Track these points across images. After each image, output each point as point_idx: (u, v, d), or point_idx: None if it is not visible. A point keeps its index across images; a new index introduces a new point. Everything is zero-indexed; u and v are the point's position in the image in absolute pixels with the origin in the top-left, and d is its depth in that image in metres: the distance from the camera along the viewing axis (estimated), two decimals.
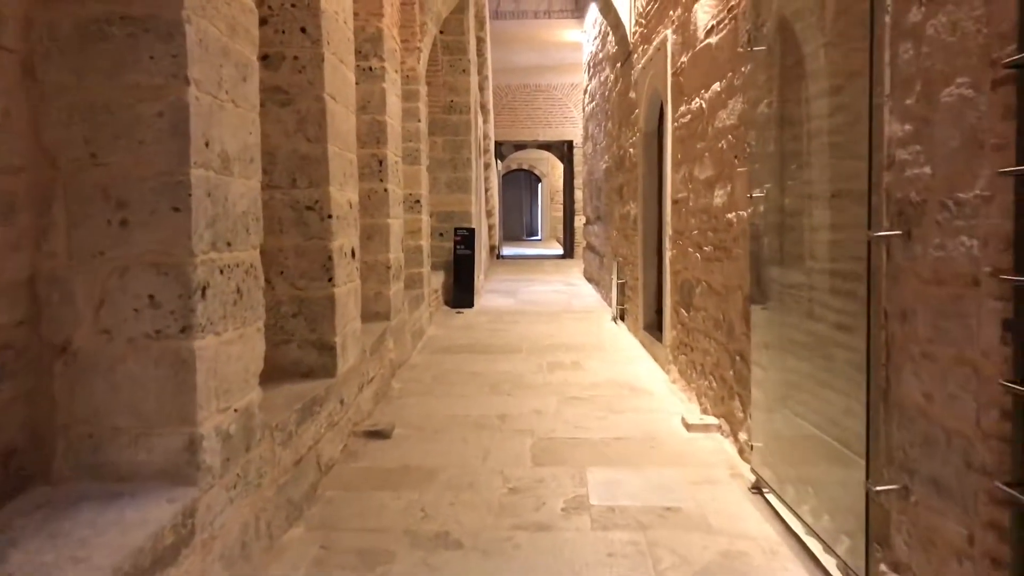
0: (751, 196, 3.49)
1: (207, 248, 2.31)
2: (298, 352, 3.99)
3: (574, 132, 20.04)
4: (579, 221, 19.65)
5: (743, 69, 3.83)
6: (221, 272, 2.44)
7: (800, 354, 3.06)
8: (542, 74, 18.65)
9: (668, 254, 5.83)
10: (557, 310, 9.85)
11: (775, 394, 3.35)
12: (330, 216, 3.96)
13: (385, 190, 5.83)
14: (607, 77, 10.27)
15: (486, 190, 14.89)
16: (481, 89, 12.43)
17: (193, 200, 2.22)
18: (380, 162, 5.80)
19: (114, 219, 2.20)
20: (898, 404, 2.29)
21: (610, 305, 9.73)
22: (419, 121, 7.84)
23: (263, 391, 3.46)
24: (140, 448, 2.23)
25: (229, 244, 2.50)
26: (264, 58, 3.91)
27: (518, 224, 34.24)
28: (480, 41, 11.75)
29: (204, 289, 2.29)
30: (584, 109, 14.31)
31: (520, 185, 33.51)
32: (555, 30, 14.70)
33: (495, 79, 18.69)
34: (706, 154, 4.65)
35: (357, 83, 5.57)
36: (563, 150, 20.86)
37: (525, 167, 30.56)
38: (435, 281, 9.25)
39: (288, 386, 3.69)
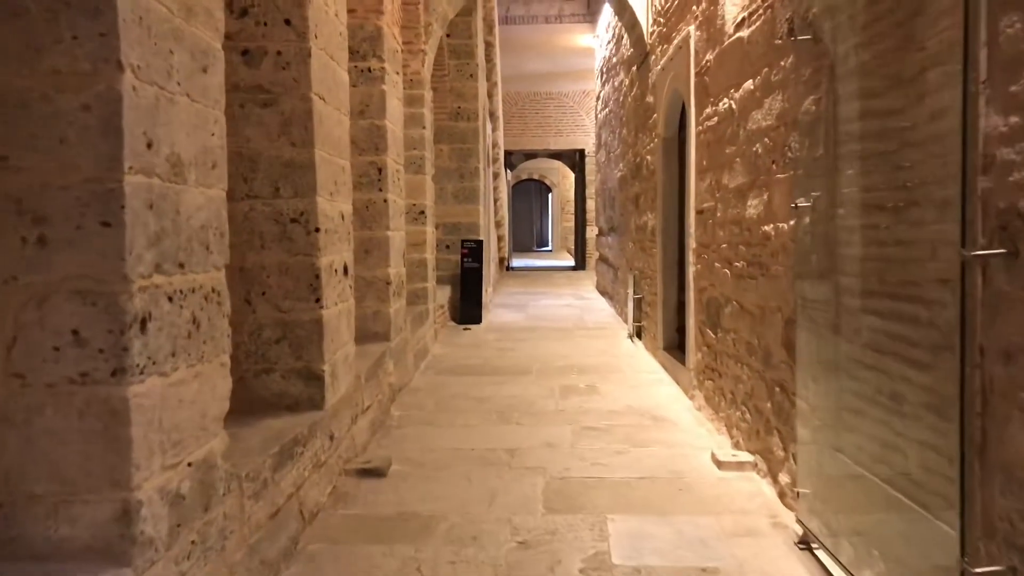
0: (795, 206, 3.06)
1: (148, 271, 1.91)
2: (282, 383, 3.58)
3: (586, 141, 19.66)
4: (591, 232, 19.24)
5: (782, 63, 3.42)
6: (170, 299, 2.03)
7: (859, 391, 2.63)
8: (553, 81, 18.30)
9: (691, 269, 5.40)
10: (569, 326, 9.43)
11: (826, 434, 2.91)
12: (318, 229, 3.56)
13: (385, 200, 5.44)
14: (621, 82, 9.87)
15: (495, 200, 14.51)
16: (490, 96, 12.06)
17: (128, 213, 1.82)
18: (379, 170, 5.41)
19: (29, 237, 1.79)
20: (1000, 464, 1.86)
21: (625, 321, 9.30)
22: (424, 128, 7.46)
23: (236, 431, 3.06)
24: (61, 519, 1.82)
25: (181, 265, 2.10)
26: (244, 53, 3.54)
27: (528, 235, 33.89)
28: (489, 46, 11.39)
29: (144, 321, 1.88)
30: (596, 116, 13.92)
31: (530, 195, 33.18)
32: (566, 35, 14.34)
33: (504, 87, 18.35)
34: (737, 160, 4.23)
35: (354, 85, 5.19)
36: (574, 159, 20.46)
37: (535, 177, 30.23)
38: (441, 296, 8.85)
39: (268, 422, 3.29)
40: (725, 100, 4.48)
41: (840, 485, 2.83)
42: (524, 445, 4.37)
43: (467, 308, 9.51)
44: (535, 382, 6.11)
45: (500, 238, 16.59)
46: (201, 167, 2.24)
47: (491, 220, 12.84)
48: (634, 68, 8.44)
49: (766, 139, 3.70)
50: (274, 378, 3.58)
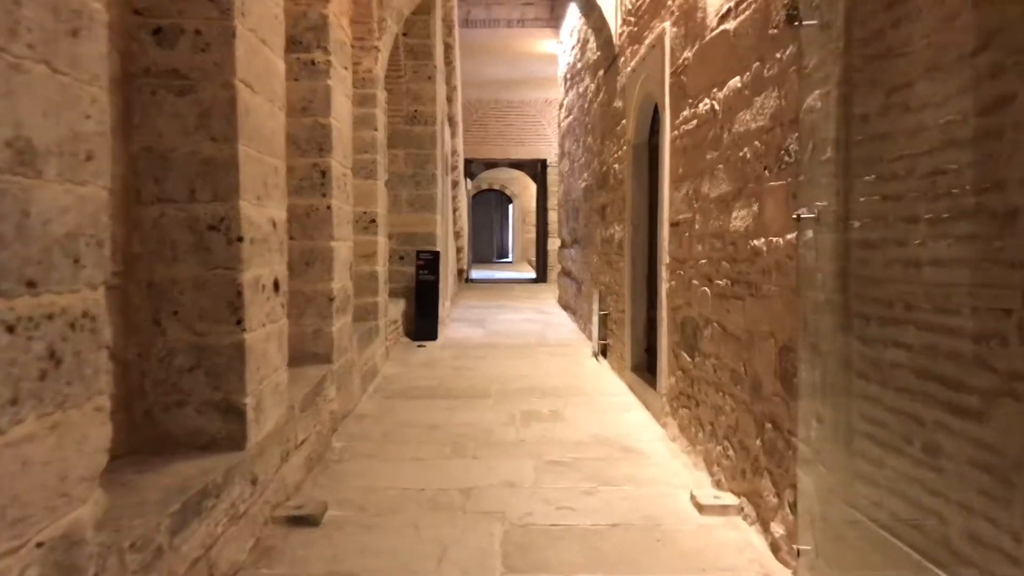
0: (798, 217, 2.67)
1: None
2: (197, 418, 3.07)
3: (548, 151, 19.33)
4: (552, 244, 18.89)
5: (778, 55, 3.03)
6: (10, 330, 1.54)
7: (879, 437, 2.23)
8: (515, 89, 17.94)
9: (664, 286, 5.01)
10: (530, 342, 9.00)
11: (834, 484, 2.51)
12: (240, 239, 3.07)
13: (328, 207, 4.95)
14: (587, 88, 9.51)
15: (454, 210, 14.05)
16: (449, 100, 11.62)
17: None
18: (323, 173, 4.92)
19: None
20: None
21: (590, 338, 8.91)
22: (376, 130, 6.99)
23: (133, 479, 2.56)
24: None
25: (31, 284, 1.60)
26: (156, 32, 3.05)
27: (488, 246, 33.50)
28: (448, 48, 10.95)
29: None
30: (560, 125, 13.57)
31: (491, 205, 32.82)
32: (529, 40, 13.99)
33: (464, 93, 17.94)
34: (720, 166, 3.85)
35: (296, 79, 4.72)
36: (536, 169, 20.12)
37: (496, 187, 29.89)
38: (394, 311, 8.35)
39: (177, 466, 2.78)
40: (706, 101, 4.09)
41: (852, 545, 2.43)
42: (481, 484, 3.91)
43: (422, 323, 9.02)
44: (493, 407, 5.65)
45: (459, 249, 16.12)
46: (68, 158, 1.75)
47: (449, 230, 12.37)
48: (601, 72, 8.08)
49: (756, 142, 3.31)
50: (187, 412, 3.07)
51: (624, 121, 6.70)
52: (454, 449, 4.55)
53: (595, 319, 7.98)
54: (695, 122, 4.32)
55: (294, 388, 3.98)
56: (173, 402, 3.06)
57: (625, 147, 6.61)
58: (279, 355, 3.60)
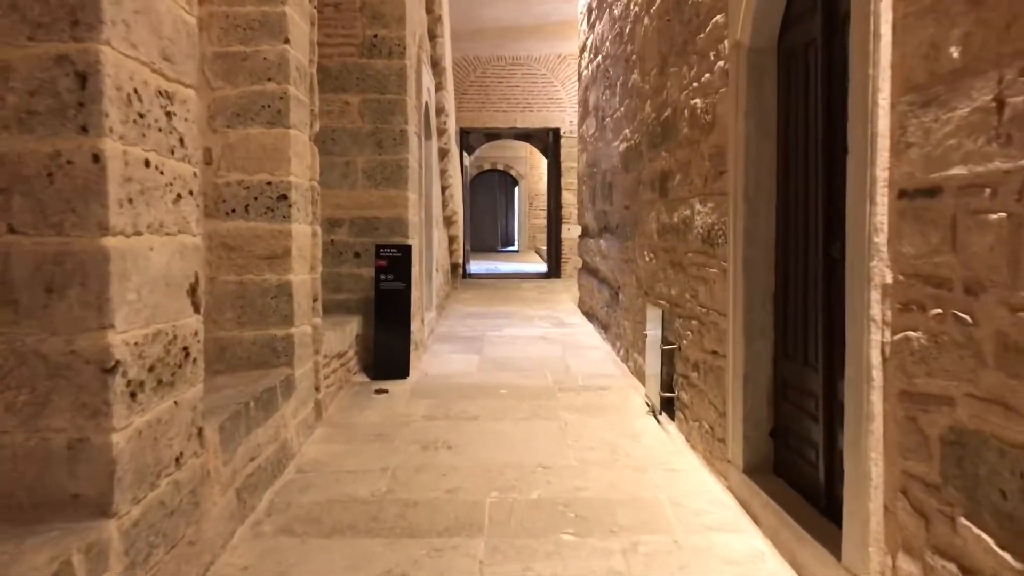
0: None
1: None
2: None
3: (561, 117, 16.51)
4: (568, 231, 16.10)
5: None
6: None
7: None
8: (521, 40, 15.08)
9: (879, 334, 2.25)
10: (548, 383, 6.22)
11: None
12: None
13: (97, 157, 2.19)
14: (628, 2, 6.71)
15: (444, 188, 11.26)
16: (433, 37, 8.82)
17: None
18: (80, 79, 2.17)
19: None
20: None
21: (633, 371, 6.18)
22: (285, 43, 4.23)
23: None
24: None
25: None
26: None
27: (492, 233, 30.78)
28: None
29: None
30: (581, 75, 10.76)
31: (494, 188, 30.09)
32: None
33: (459, 48, 15.11)
34: None
35: None
36: (547, 140, 17.28)
37: (500, 167, 27.12)
38: (336, 341, 5.57)
39: None
40: None
41: None
42: None
43: (384, 353, 6.26)
44: (489, 568, 2.90)
45: (452, 239, 13.34)
46: None
47: (435, 215, 9.59)
48: None
49: None
50: None
51: (718, 17, 3.92)
52: None
53: (652, 353, 5.22)
54: None
55: None
56: None
57: (724, 61, 3.83)
58: None
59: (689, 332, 4.50)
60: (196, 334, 2.84)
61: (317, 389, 4.87)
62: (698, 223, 4.33)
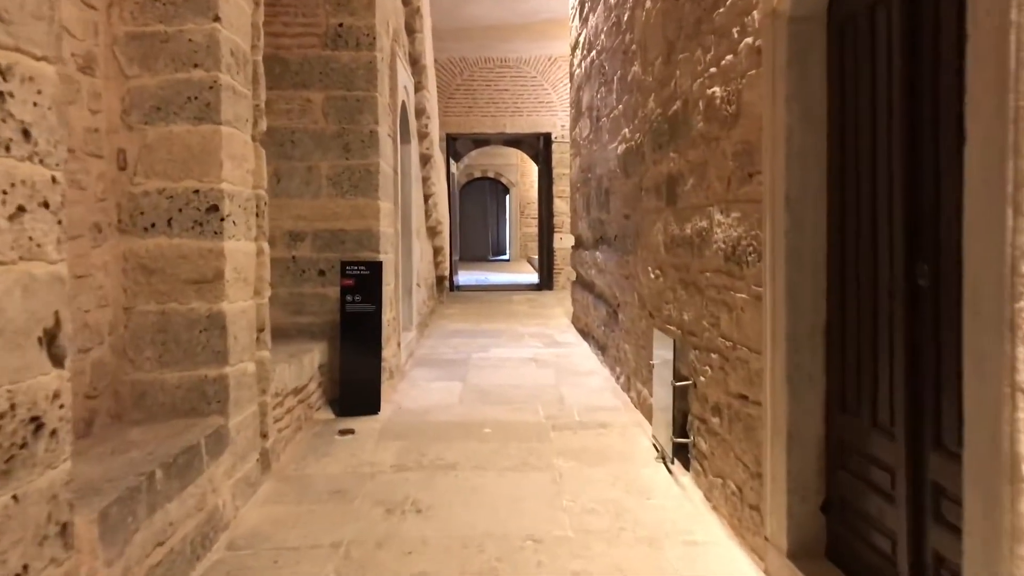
0: None
1: None
2: None
3: (552, 121, 15.80)
4: (560, 241, 15.38)
5: None
6: None
7: None
8: (510, 40, 14.38)
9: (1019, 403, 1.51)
10: (540, 419, 5.46)
11: None
12: None
13: None
14: None
15: (427, 197, 10.51)
16: (411, 31, 8.08)
17: None
18: None
19: None
20: None
21: (635, 403, 5.45)
22: (217, 22, 3.49)
23: None
24: None
25: None
26: None
27: (482, 242, 30.02)
28: None
29: None
30: (573, 74, 10.05)
31: (484, 196, 29.37)
32: None
33: (444, 49, 14.41)
34: None
35: None
36: (538, 146, 16.58)
37: (490, 175, 26.48)
38: (289, 376, 4.81)
39: None
40: None
41: None
42: None
43: (352, 387, 5.50)
44: None
45: (438, 251, 12.58)
46: None
47: (415, 226, 8.83)
48: None
49: None
50: None
51: None
52: None
53: (661, 388, 4.48)
54: None
55: None
56: None
57: (753, 37, 3.10)
58: None
59: (708, 368, 3.76)
60: (56, 396, 2.09)
61: (264, 436, 4.11)
62: (719, 236, 3.60)
